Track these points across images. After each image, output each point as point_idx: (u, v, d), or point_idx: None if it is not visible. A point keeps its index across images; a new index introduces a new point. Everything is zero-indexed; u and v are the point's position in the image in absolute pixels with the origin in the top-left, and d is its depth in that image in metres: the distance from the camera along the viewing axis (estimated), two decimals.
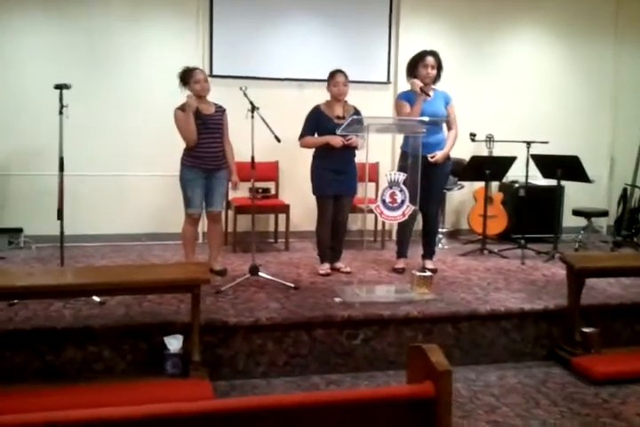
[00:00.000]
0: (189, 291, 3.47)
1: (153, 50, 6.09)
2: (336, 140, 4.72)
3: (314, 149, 4.93)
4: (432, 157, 4.75)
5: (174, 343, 3.60)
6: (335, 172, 4.79)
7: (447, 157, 4.90)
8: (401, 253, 5.03)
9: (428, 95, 4.65)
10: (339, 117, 4.80)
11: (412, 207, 4.23)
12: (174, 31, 6.13)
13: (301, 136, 4.91)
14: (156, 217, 6.11)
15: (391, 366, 3.91)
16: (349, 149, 4.81)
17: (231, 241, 5.91)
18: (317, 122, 4.86)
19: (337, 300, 4.15)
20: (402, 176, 4.19)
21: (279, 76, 6.29)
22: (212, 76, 6.12)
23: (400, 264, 5.00)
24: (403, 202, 4.19)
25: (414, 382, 1.74)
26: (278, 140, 4.37)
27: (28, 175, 5.82)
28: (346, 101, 4.95)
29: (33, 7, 5.84)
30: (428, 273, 4.35)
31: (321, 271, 4.88)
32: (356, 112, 4.87)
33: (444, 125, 4.93)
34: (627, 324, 4.33)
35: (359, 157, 4.86)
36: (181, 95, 4.68)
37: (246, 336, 3.78)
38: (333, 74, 4.88)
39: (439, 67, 4.81)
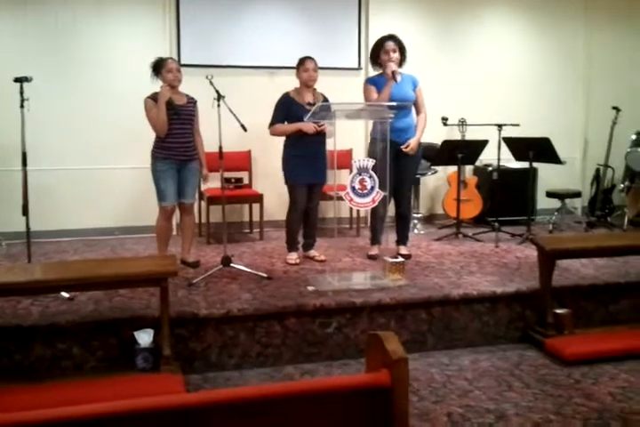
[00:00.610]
0: (157, 284, 3.43)
1: (119, 40, 5.97)
2: (308, 127, 4.67)
3: (285, 138, 4.88)
4: (405, 147, 4.73)
5: (144, 338, 3.56)
6: (308, 159, 4.74)
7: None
8: (374, 239, 5.01)
9: (395, 80, 4.61)
10: (310, 104, 4.73)
11: (382, 193, 4.20)
12: (141, 20, 6.02)
13: (271, 124, 4.85)
14: (128, 210, 6.04)
15: (364, 353, 3.88)
16: (320, 137, 4.76)
17: (205, 232, 5.86)
18: (287, 109, 4.80)
19: (310, 288, 4.13)
20: (370, 162, 4.15)
21: (249, 64, 6.22)
22: (180, 65, 6.05)
23: (374, 251, 4.98)
24: (372, 188, 4.16)
25: (372, 371, 1.72)
26: (245, 130, 4.31)
27: None
28: (315, 89, 4.90)
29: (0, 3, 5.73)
30: (401, 259, 4.33)
31: (290, 261, 4.85)
32: (325, 100, 4.83)
33: (413, 109, 4.90)
34: (599, 304, 4.35)
35: (329, 144, 4.81)
36: (152, 85, 4.62)
37: (218, 328, 3.75)
38: (303, 60, 4.83)
39: (401, 49, 4.77)
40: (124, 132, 5.88)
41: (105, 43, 5.96)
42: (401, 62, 4.83)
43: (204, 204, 5.85)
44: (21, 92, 4.04)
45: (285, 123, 4.83)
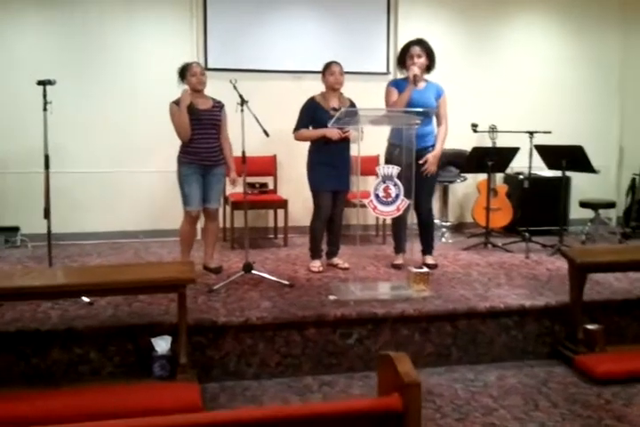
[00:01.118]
0: (175, 291, 3.37)
1: (146, 44, 5.98)
2: (333, 133, 4.60)
3: (309, 143, 4.81)
4: (423, 163, 4.64)
5: (162, 345, 3.51)
6: (332, 166, 4.67)
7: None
8: (398, 248, 4.90)
9: (416, 85, 4.52)
10: (334, 109, 4.65)
11: (407, 201, 4.09)
12: (168, 25, 6.01)
13: (296, 129, 4.78)
14: (153, 214, 6.02)
15: None
16: (345, 143, 4.69)
17: (229, 237, 5.81)
18: (312, 114, 4.73)
19: (331, 298, 4.03)
20: (395, 170, 4.05)
21: (276, 68, 6.16)
22: (206, 69, 6.00)
23: (398, 260, 4.87)
24: (397, 196, 4.05)
25: (384, 394, 1.62)
26: (267, 135, 4.25)
27: (25, 173, 5.71)
28: (341, 93, 4.82)
29: (26, 2, 5.75)
30: (425, 269, 4.21)
31: (313, 268, 4.76)
32: (352, 105, 4.76)
33: (434, 119, 4.79)
34: (633, 320, 4.17)
35: (353, 150, 4.72)
36: (177, 89, 4.61)
37: (236, 337, 3.67)
38: (329, 64, 4.77)
39: (429, 55, 4.67)
40: (149, 135, 5.87)
41: (131, 45, 5.97)
42: (429, 68, 4.73)
43: (228, 208, 5.80)
44: (44, 95, 4.02)
45: (310, 128, 4.75)
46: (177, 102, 4.50)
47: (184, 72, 4.58)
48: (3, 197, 5.86)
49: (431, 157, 4.69)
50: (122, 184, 6.03)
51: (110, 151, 5.97)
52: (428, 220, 4.93)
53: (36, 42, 5.81)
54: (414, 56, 4.63)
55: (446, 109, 4.82)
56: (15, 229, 5.75)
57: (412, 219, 4.76)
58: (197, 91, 4.57)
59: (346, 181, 4.72)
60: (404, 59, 4.74)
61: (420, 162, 4.63)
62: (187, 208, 4.61)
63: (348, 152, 4.74)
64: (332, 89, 4.75)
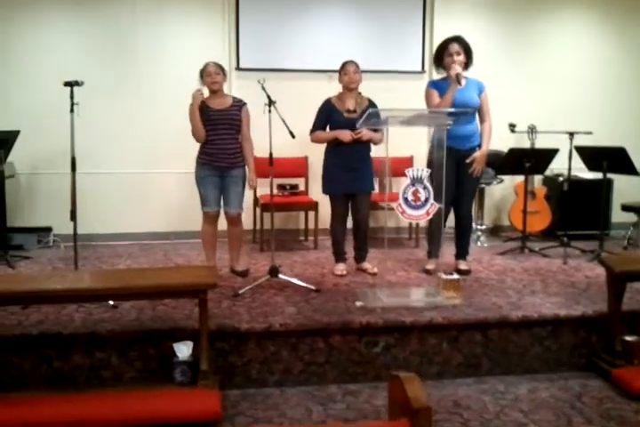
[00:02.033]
0: (196, 296, 3.31)
1: (177, 44, 5.97)
2: (344, 135, 4.52)
3: (326, 145, 4.72)
4: (470, 162, 4.51)
5: (184, 350, 3.45)
6: (347, 169, 4.58)
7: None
8: (431, 252, 4.77)
9: (460, 84, 4.36)
10: (349, 111, 4.58)
11: (437, 206, 3.96)
12: (200, 25, 5.99)
13: (312, 131, 4.71)
14: (183, 215, 5.99)
15: None
16: (363, 144, 4.60)
17: (259, 239, 5.75)
18: (327, 115, 4.67)
19: (358, 304, 3.93)
20: (425, 172, 3.91)
21: (308, 67, 6.07)
22: (238, 69, 5.99)
23: (430, 265, 4.74)
24: (427, 200, 3.92)
25: (394, 416, 1.51)
26: (293, 136, 4.18)
27: (57, 174, 5.73)
28: (359, 93, 4.71)
29: (56, 4, 5.80)
30: (456, 276, 4.07)
31: (337, 272, 4.68)
32: (371, 104, 4.64)
33: (477, 116, 4.63)
34: None
35: (379, 152, 4.60)
36: (205, 90, 4.57)
37: (260, 343, 3.60)
38: (344, 64, 4.68)
39: (467, 52, 4.52)
40: (179, 135, 5.76)
41: (161, 46, 5.97)
42: (467, 65, 4.58)
43: (259, 210, 5.74)
44: (71, 97, 4.00)
45: (327, 129, 4.66)
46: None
47: (202, 72, 4.54)
48: (35, 197, 5.92)
49: (479, 156, 4.55)
50: (153, 185, 6.03)
51: (141, 152, 5.98)
52: (467, 223, 4.80)
53: (64, 42, 5.85)
54: (454, 54, 4.48)
55: (489, 105, 4.66)
56: (48, 230, 5.79)
57: (449, 222, 4.65)
58: (213, 91, 4.51)
59: (364, 184, 4.64)
60: (441, 57, 4.59)
61: (467, 161, 4.51)
62: (203, 209, 4.60)
63: (367, 153, 4.64)
64: (348, 89, 4.65)
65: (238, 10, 5.96)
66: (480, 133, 4.64)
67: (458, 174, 4.54)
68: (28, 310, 3.83)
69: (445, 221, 4.40)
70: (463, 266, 4.76)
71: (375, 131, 4.52)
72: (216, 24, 5.99)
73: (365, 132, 4.50)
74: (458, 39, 4.53)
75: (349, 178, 4.58)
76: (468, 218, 4.80)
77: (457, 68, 4.39)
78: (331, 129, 4.66)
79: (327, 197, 4.80)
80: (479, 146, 4.59)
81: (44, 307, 3.86)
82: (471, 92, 4.59)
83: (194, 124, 4.47)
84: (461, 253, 4.82)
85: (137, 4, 5.87)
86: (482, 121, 4.65)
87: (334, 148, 4.63)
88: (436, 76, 4.93)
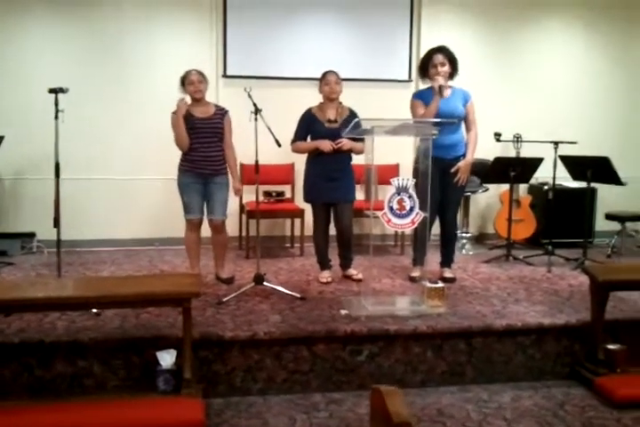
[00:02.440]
0: (179, 305, 3.30)
1: (164, 51, 5.96)
2: (324, 145, 4.54)
3: (307, 155, 4.74)
4: (455, 172, 4.54)
5: (167, 358, 3.44)
6: (327, 179, 4.61)
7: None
8: (417, 260, 4.78)
9: (442, 95, 4.39)
10: (330, 121, 4.60)
11: (423, 214, 3.97)
12: (188, 33, 6.00)
13: (293, 141, 4.72)
14: (168, 221, 5.95)
15: (397, 384, 3.59)
16: (343, 154, 4.62)
17: (245, 246, 5.73)
18: (308, 126, 4.68)
19: (342, 312, 3.93)
20: (410, 182, 3.93)
21: (296, 75, 6.07)
22: (225, 76, 5.99)
23: (415, 272, 4.75)
24: (412, 209, 3.93)
25: None
26: (279, 145, 4.19)
27: (41, 179, 5.69)
28: (340, 103, 4.73)
29: (44, 9, 5.77)
30: (440, 284, 4.08)
31: (322, 279, 4.69)
32: (352, 114, 4.65)
33: (463, 125, 4.66)
34: None
35: (363, 161, 4.61)
36: (187, 98, 4.56)
37: (243, 351, 3.59)
38: (324, 74, 4.70)
39: (452, 62, 4.54)
40: (164, 141, 5.73)
41: (148, 53, 5.97)
42: (452, 75, 4.61)
43: (244, 217, 5.73)
44: (56, 104, 3.97)
45: (309, 139, 4.67)
46: (176, 112, 4.46)
47: (184, 80, 4.52)
48: (19, 203, 5.88)
49: (463, 165, 4.57)
50: (138, 191, 6.01)
51: (127, 158, 5.96)
52: (452, 231, 4.83)
53: (51, 48, 5.83)
54: (438, 65, 4.51)
55: (475, 115, 4.69)
56: (31, 235, 5.75)
57: (434, 229, 4.66)
58: (196, 99, 4.50)
59: (345, 193, 4.66)
60: (426, 67, 4.62)
61: (452, 170, 4.52)
62: (186, 216, 4.60)
63: (348, 163, 4.66)
64: (329, 99, 4.66)
65: (226, 17, 5.96)
66: (465, 143, 4.66)
67: (443, 183, 4.56)
68: (10, 317, 3.79)
69: (430, 229, 4.42)
70: (448, 274, 4.78)
71: (356, 140, 4.53)
72: (203, 31, 5.99)
73: (346, 142, 4.52)
74: (442, 49, 4.56)
75: (330, 188, 4.59)
76: (453, 226, 4.83)
77: (440, 80, 4.42)
78: (312, 139, 4.68)
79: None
80: (464, 155, 4.61)
81: (26, 315, 3.83)
82: (456, 101, 4.61)
83: (178, 133, 4.45)
84: (446, 260, 4.84)
85: (124, 11, 5.86)
86: (468, 130, 4.68)
87: (315, 157, 4.64)
88: (423, 85, 4.95)
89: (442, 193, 4.57)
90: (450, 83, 4.65)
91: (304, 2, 6.07)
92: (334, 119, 4.61)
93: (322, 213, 4.70)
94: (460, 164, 4.56)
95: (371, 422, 1.63)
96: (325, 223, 4.74)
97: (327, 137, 4.56)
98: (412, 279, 4.72)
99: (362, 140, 4.37)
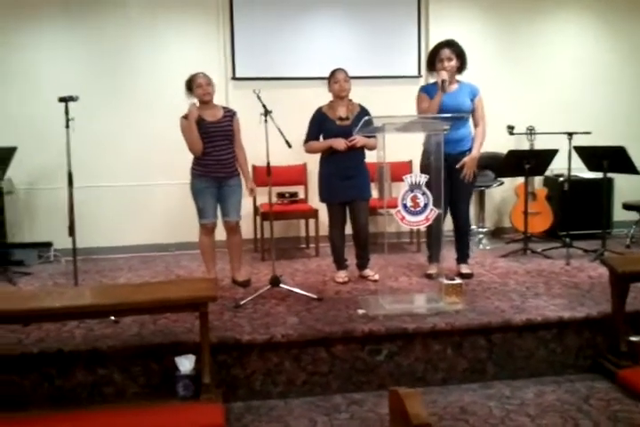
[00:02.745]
0: (196, 309, 3.29)
1: (171, 57, 5.94)
2: (338, 143, 4.51)
3: (320, 154, 4.71)
4: (460, 167, 4.49)
5: (186, 364, 3.43)
6: (343, 177, 4.57)
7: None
8: (432, 257, 4.74)
9: (444, 90, 4.37)
10: (341, 119, 4.58)
11: (437, 211, 3.93)
12: (195, 36, 5.98)
13: (306, 141, 4.70)
14: (183, 226, 5.95)
15: (418, 383, 3.64)
16: (357, 151, 4.59)
17: (260, 248, 5.73)
18: (320, 124, 4.65)
19: (360, 312, 3.90)
20: (424, 178, 3.89)
21: (305, 75, 6.05)
22: (234, 79, 5.99)
23: (432, 269, 4.71)
24: (426, 206, 3.89)
25: None
26: (289, 146, 4.17)
27: (55, 189, 5.71)
28: (350, 100, 4.70)
29: (52, 18, 5.80)
30: (458, 281, 4.04)
31: (338, 279, 4.66)
32: (363, 110, 4.63)
33: (470, 120, 4.61)
34: None
35: (373, 158, 4.59)
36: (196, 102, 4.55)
37: (262, 355, 3.58)
38: (333, 72, 4.67)
39: (460, 56, 4.50)
40: (176, 146, 5.77)
41: (155, 58, 5.95)
42: (460, 69, 4.57)
43: (259, 219, 5.72)
44: (66, 112, 3.97)
45: (321, 139, 4.65)
46: (186, 117, 4.44)
47: (190, 84, 4.50)
48: (34, 213, 5.91)
49: (468, 161, 4.52)
50: (152, 197, 6.01)
51: (139, 164, 5.96)
52: (465, 227, 4.77)
53: (61, 56, 5.85)
54: (444, 60, 4.47)
55: (483, 110, 4.64)
56: (48, 245, 5.77)
57: (448, 226, 4.62)
58: (205, 102, 4.49)
59: (361, 191, 4.63)
60: (433, 62, 4.58)
61: (458, 166, 4.49)
62: (201, 221, 4.58)
63: (362, 160, 4.63)
64: (339, 97, 4.63)
65: (233, 20, 5.95)
66: (472, 138, 4.62)
67: (451, 179, 4.50)
68: (29, 327, 3.80)
69: (441, 226, 4.38)
70: (465, 269, 4.73)
71: (368, 136, 4.51)
72: (211, 34, 5.98)
73: (359, 139, 4.49)
74: (449, 44, 4.52)
75: (346, 186, 4.57)
76: (466, 221, 4.77)
77: (443, 75, 4.39)
78: (324, 138, 4.65)
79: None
80: (470, 150, 4.57)
81: (45, 324, 3.84)
82: (463, 96, 4.57)
83: (192, 138, 4.42)
84: (462, 256, 4.80)
85: (132, 16, 5.87)
86: (476, 125, 4.63)
87: (329, 156, 4.62)
88: (432, 79, 4.91)
89: (451, 189, 4.51)
90: (458, 77, 4.62)
91: (310, 1, 6.05)
92: (345, 117, 4.59)
93: (338, 212, 4.67)
94: (466, 159, 4.52)
95: (390, 423, 1.61)
96: (342, 222, 4.71)
97: (339, 135, 4.54)
98: (429, 276, 4.69)
99: (374, 135, 4.35)
